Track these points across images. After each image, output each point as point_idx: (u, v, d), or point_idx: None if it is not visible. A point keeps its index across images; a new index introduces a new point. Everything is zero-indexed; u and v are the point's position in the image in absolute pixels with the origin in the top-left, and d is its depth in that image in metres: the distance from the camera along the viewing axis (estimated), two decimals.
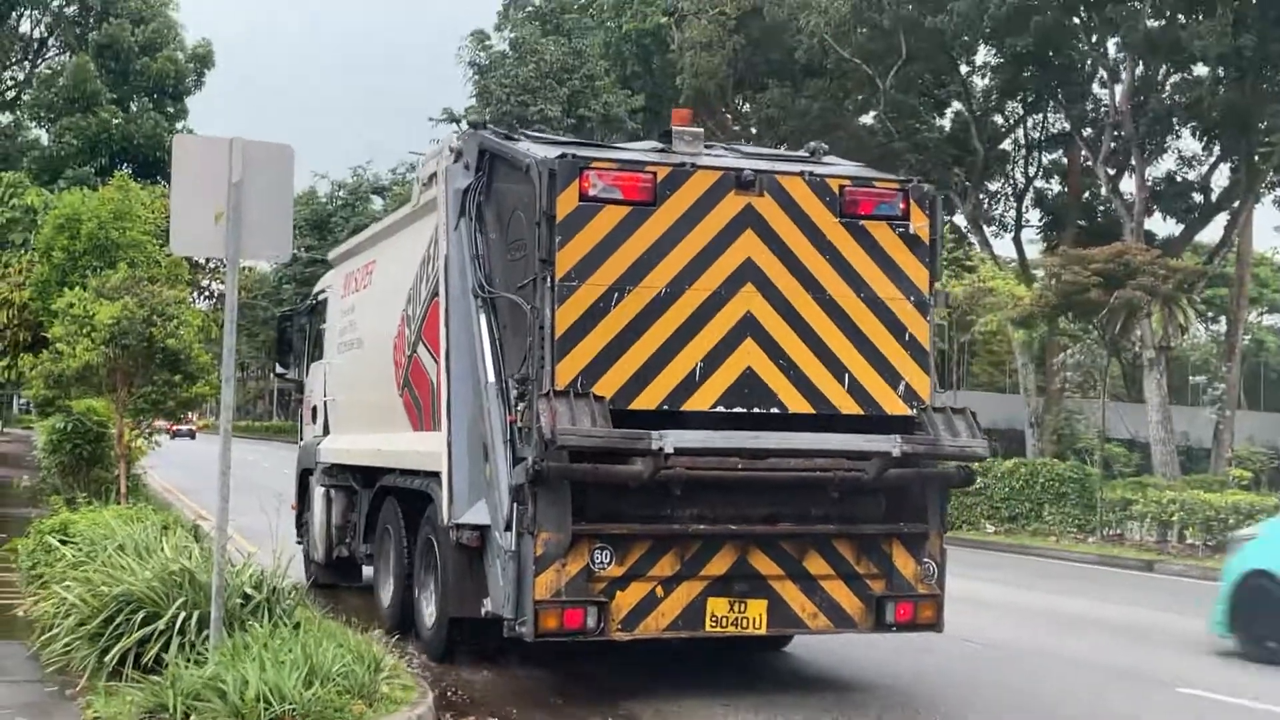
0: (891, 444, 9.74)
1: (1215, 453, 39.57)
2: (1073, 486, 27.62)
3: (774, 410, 10.03)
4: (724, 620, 9.98)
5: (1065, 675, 12.18)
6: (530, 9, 55.62)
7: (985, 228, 44.24)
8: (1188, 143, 42.44)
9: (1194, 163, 41.58)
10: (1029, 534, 27.42)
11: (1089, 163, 42.00)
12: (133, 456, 20.83)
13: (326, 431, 15.88)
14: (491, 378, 10.15)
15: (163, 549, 10.96)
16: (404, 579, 12.50)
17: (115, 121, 36.92)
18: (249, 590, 10.10)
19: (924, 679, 11.70)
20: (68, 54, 40.43)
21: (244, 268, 27.07)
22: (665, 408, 9.81)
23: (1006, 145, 45.73)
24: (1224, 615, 13.80)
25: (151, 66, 38.22)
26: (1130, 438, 42.95)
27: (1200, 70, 37.08)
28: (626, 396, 9.74)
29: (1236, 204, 38.46)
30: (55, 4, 41.33)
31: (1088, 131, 40.96)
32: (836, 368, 10.21)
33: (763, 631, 10.17)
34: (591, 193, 9.79)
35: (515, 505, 9.63)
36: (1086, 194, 46.16)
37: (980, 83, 43.73)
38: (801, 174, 10.34)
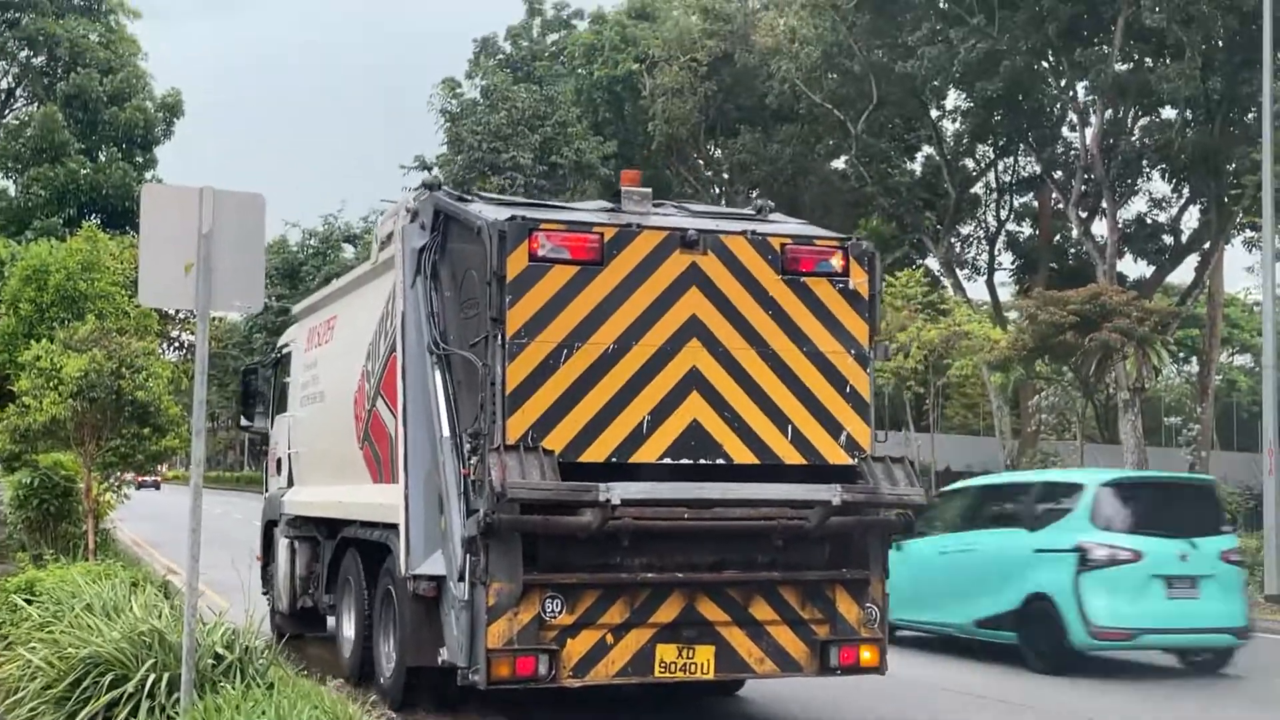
0: (832, 493, 10.08)
1: None
2: None
3: (719, 461, 10.37)
4: (673, 666, 10.25)
5: None
6: (501, 57, 55.71)
7: (958, 271, 44.34)
8: (1158, 185, 42.76)
9: (1164, 205, 41.91)
10: None
11: (1060, 205, 42.25)
12: (101, 511, 20.50)
13: (291, 483, 16.02)
14: (446, 432, 10.48)
15: (132, 608, 10.67)
16: (364, 629, 12.72)
17: (83, 172, 36.65)
18: (221, 650, 9.82)
19: None
20: (36, 105, 40.21)
21: (214, 318, 26.88)
22: (614, 460, 10.13)
23: (978, 189, 45.99)
24: None
25: (120, 116, 37.98)
26: None
27: (1169, 113, 37.39)
28: (576, 449, 10.06)
29: (1207, 245, 38.67)
30: (23, 55, 41.12)
31: (1058, 174, 41.18)
32: (780, 419, 10.56)
33: (710, 676, 10.43)
34: (540, 253, 10.15)
35: (468, 556, 9.92)
36: (1058, 236, 46.40)
37: (951, 127, 44.03)
38: (744, 233, 10.75)
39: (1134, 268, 45.19)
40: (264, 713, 8.60)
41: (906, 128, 44.40)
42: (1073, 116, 39.14)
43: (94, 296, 20.81)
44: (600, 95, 48.42)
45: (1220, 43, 33.92)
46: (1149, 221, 42.27)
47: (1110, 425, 47.66)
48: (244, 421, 19.13)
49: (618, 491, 9.59)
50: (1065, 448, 42.63)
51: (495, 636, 9.76)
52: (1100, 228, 39.33)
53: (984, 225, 47.07)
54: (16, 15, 39.78)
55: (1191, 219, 41.14)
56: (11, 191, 37.70)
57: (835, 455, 10.64)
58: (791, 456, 10.56)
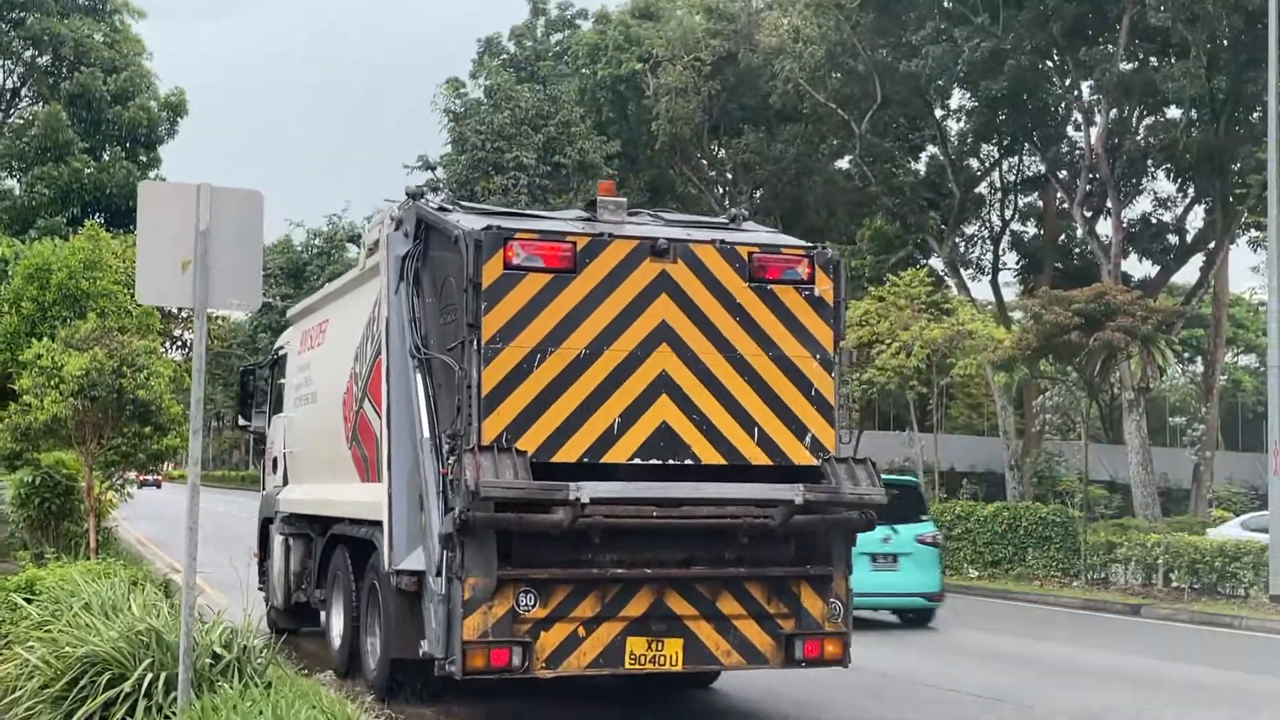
0: (795, 492, 10.55)
1: (1195, 493, 39.51)
2: (1056, 530, 27.41)
3: (688, 462, 10.85)
4: (642, 658, 10.70)
5: None
6: (505, 57, 55.61)
7: (962, 271, 44.22)
8: (1163, 184, 42.62)
9: (1169, 204, 41.74)
10: (1013, 579, 27.19)
11: (1065, 205, 42.10)
12: (103, 510, 20.47)
13: (286, 482, 16.53)
14: (427, 433, 10.96)
15: (130, 607, 10.64)
16: (352, 623, 13.22)
17: (87, 171, 36.61)
18: (218, 649, 9.80)
19: None
20: (40, 104, 40.17)
21: (217, 316, 26.84)
22: (586, 460, 10.60)
23: (982, 188, 45.79)
24: None
25: (124, 115, 37.93)
26: (1110, 479, 42.81)
27: (1174, 112, 37.26)
28: (549, 450, 10.54)
29: (1212, 245, 38.55)
30: (28, 54, 41.09)
31: (1063, 174, 41.05)
32: (746, 422, 11.03)
33: (679, 668, 10.86)
34: (515, 261, 10.63)
35: (445, 552, 10.38)
36: (1063, 236, 46.26)
37: (955, 126, 43.85)
38: (713, 242, 11.22)
39: (1139, 267, 45.10)
40: (261, 713, 8.56)
41: (911, 127, 44.24)
42: (1077, 116, 39.02)
43: (96, 295, 20.78)
44: (604, 95, 48.33)
45: (1225, 42, 33.78)
46: (1154, 221, 42.14)
47: (1115, 425, 47.55)
48: (242, 421, 19.57)
49: (587, 491, 10.04)
50: (1070, 448, 42.52)
51: (471, 629, 10.18)
52: (1105, 227, 39.26)
53: (988, 225, 46.94)
54: (21, 15, 39.76)
55: (1196, 218, 41.05)
56: (16, 191, 37.63)
57: (800, 456, 11.14)
58: (758, 457, 11.05)
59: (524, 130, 44.81)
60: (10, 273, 23.96)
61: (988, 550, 27.93)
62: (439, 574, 10.48)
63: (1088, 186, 37.99)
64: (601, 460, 10.70)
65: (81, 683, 9.42)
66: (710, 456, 10.95)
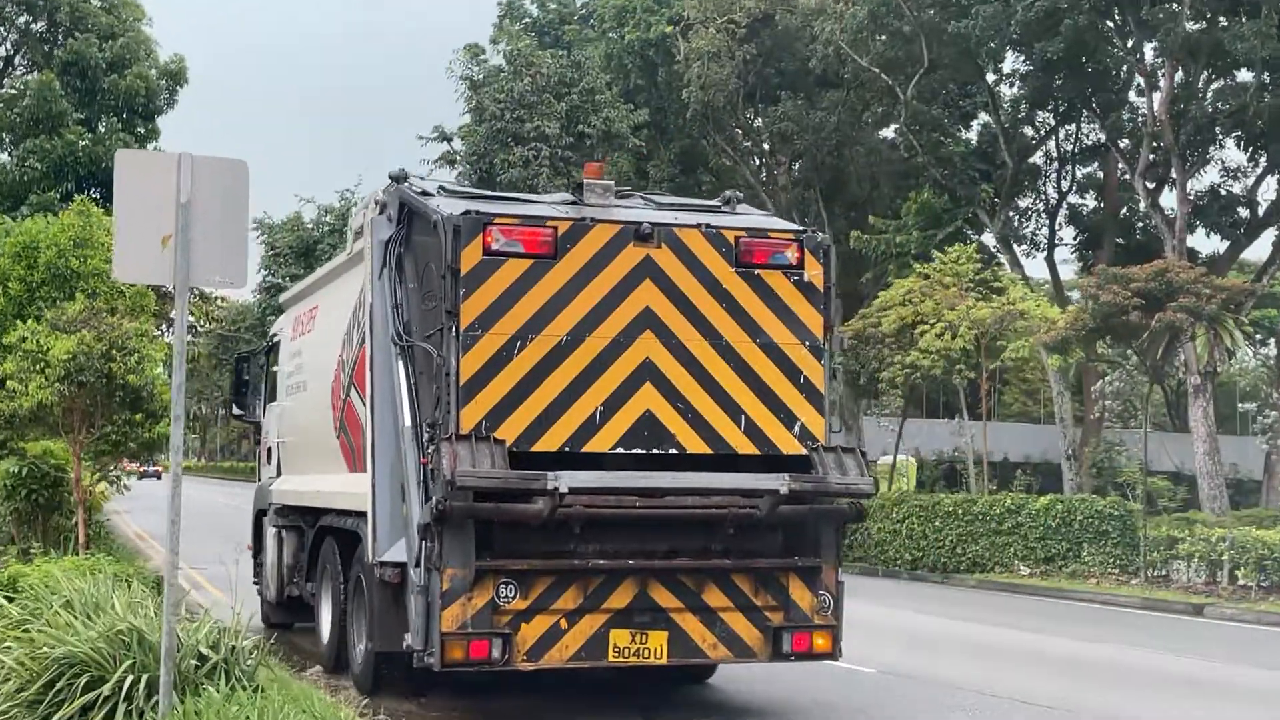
0: (780, 482, 10.94)
1: (1267, 485, 39.21)
2: (1114, 524, 27.20)
3: (672, 451, 11.25)
4: (626, 651, 11.08)
5: None
6: (527, 20, 55.48)
7: (1015, 247, 43.93)
8: (1232, 153, 42.33)
9: (1239, 175, 41.25)
10: (1066, 576, 27.01)
11: (1126, 176, 41.74)
12: (95, 503, 20.53)
13: (279, 473, 16.98)
14: (408, 422, 11.33)
15: (113, 605, 10.63)
16: (340, 616, 13.66)
17: (82, 143, 36.64)
18: (204, 650, 9.81)
19: None
20: (35, 72, 40.25)
21: (217, 297, 26.89)
22: (567, 449, 11.02)
23: (1037, 159, 45.42)
24: None
25: (120, 84, 37.91)
26: (1175, 470, 42.52)
27: (1244, 76, 36.79)
28: (529, 439, 10.96)
29: None
30: (22, 20, 41.17)
31: (1124, 143, 40.69)
32: (733, 410, 11.44)
33: (664, 661, 11.24)
34: (494, 247, 11.04)
35: (423, 542, 10.74)
36: (1124, 210, 45.87)
37: (1008, 92, 43.50)
38: (698, 226, 11.65)
39: (1206, 243, 44.81)
40: (248, 717, 8.55)
41: (960, 93, 43.91)
42: (1139, 80, 38.63)
43: (87, 275, 20.79)
44: (631, 60, 48.13)
45: None
46: (1222, 193, 41.67)
47: (1180, 412, 47.20)
48: (236, 410, 20.18)
49: (565, 480, 10.42)
50: (1132, 436, 42.24)
51: (449, 620, 10.56)
52: (1169, 200, 38.88)
53: (1044, 198, 46.57)
54: None
55: (1269, 190, 40.79)
56: (7, 165, 37.70)
57: (789, 445, 11.54)
58: (745, 446, 11.45)
59: (546, 99, 44.68)
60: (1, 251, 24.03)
61: (1040, 546, 27.74)
62: (417, 565, 10.81)
63: (1151, 156, 37.62)
64: (583, 449, 11.05)
65: (58, 685, 9.45)
66: (695, 445, 11.31)
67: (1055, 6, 34.68)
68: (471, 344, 10.91)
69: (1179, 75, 36.72)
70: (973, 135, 45.78)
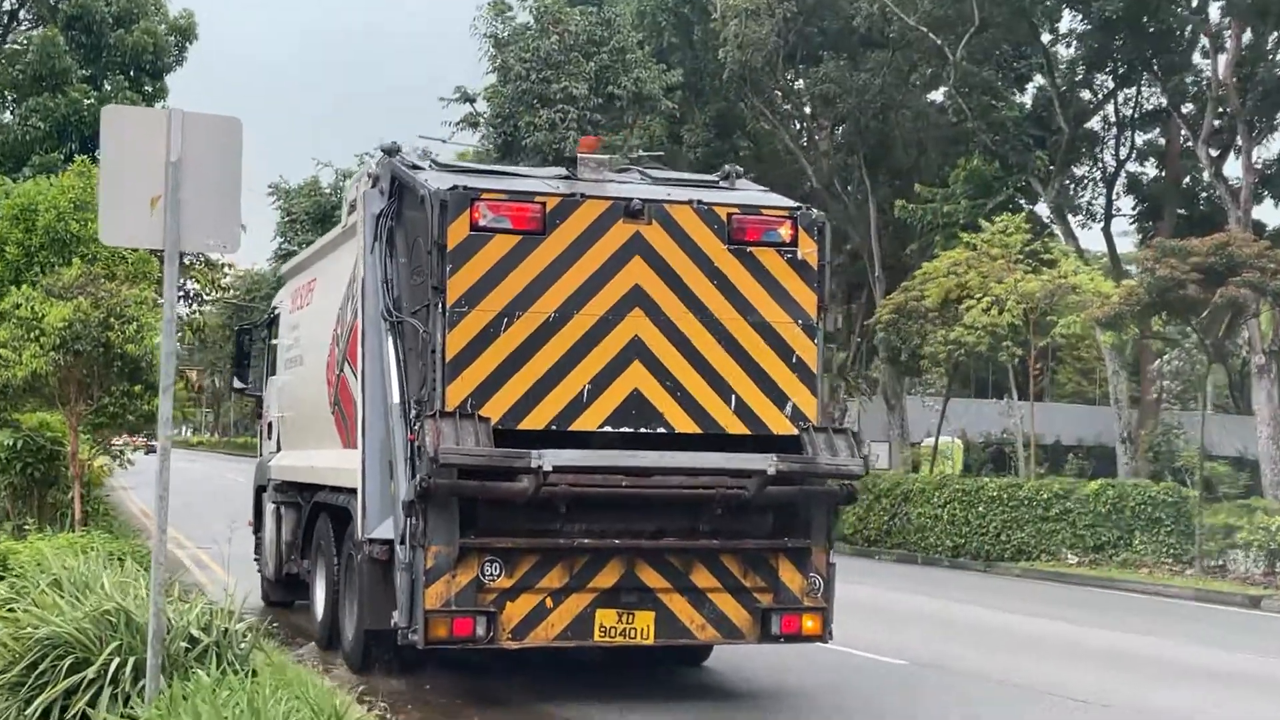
0: (767, 463, 11.34)
1: None
2: (1167, 511, 27.06)
3: (660, 430, 11.68)
4: (612, 631, 11.54)
5: None
6: None
7: (1070, 217, 43.66)
8: None
9: None
10: (1116, 565, 26.90)
11: (1189, 143, 41.39)
12: (94, 478, 20.66)
13: (279, 448, 17.53)
14: (396, 398, 11.75)
15: (103, 585, 10.69)
16: (332, 593, 14.14)
17: (87, 102, 36.67)
18: (195, 632, 9.84)
19: None
20: (39, 28, 40.34)
21: (223, 264, 26.96)
22: (554, 427, 11.44)
23: (1095, 124, 45.12)
24: None
25: (127, 40, 37.93)
26: (1238, 455, 42.22)
27: None
28: (516, 417, 11.39)
29: None
30: None
31: (1187, 107, 40.35)
32: (723, 389, 11.86)
33: (650, 642, 11.68)
34: (482, 223, 11.44)
35: (408, 519, 11.17)
36: (1186, 179, 45.51)
37: (1065, 53, 43.18)
38: (690, 202, 12.06)
39: (1274, 214, 44.39)
40: (238, 703, 8.57)
41: (1014, 54, 43.57)
42: (1204, 41, 38.30)
43: (87, 239, 20.85)
44: (665, 18, 47.93)
45: None
46: None
47: (1244, 394, 46.86)
48: (238, 384, 20.76)
49: (550, 458, 10.84)
50: (1191, 419, 42.00)
51: (433, 598, 11.03)
52: (1234, 168, 38.57)
53: (1101, 165, 46.26)
54: None
55: None
56: (9, 124, 37.82)
57: (780, 425, 11.97)
58: (735, 426, 11.88)
59: (574, 58, 44.53)
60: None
61: (1089, 534, 27.62)
62: (403, 542, 11.25)
63: (1215, 122, 37.32)
64: (570, 428, 11.48)
65: (41, 667, 9.49)
66: (684, 425, 11.73)
67: None
68: (457, 320, 11.30)
69: (1246, 36, 36.40)
70: (1026, 99, 45.43)
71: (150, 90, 38.79)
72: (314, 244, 16.91)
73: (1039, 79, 43.80)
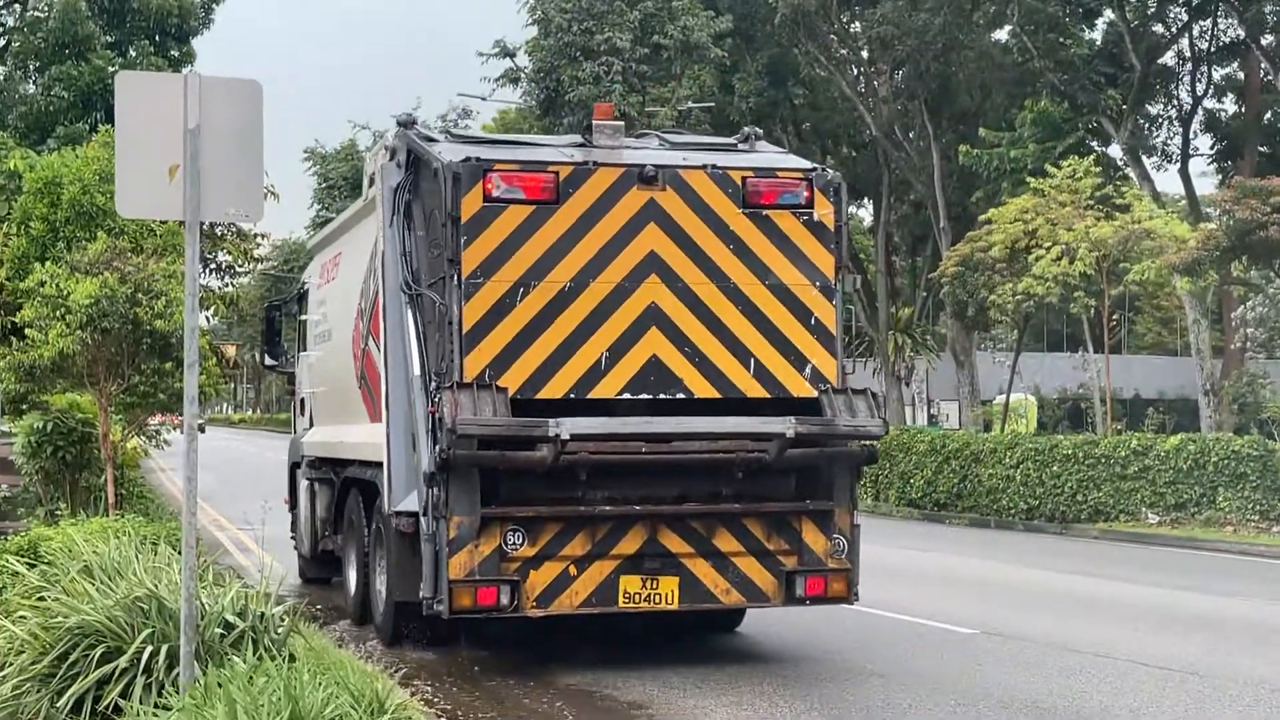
0: (786, 425, 11.71)
1: None
2: (1253, 466, 26.78)
3: (680, 396, 12.12)
4: (637, 597, 11.97)
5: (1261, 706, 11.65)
6: None
7: (1145, 159, 43.25)
8: None
9: None
10: (1200, 524, 26.67)
11: (1269, 77, 40.93)
12: (127, 459, 20.78)
13: (311, 424, 18.01)
14: (417, 371, 12.22)
15: (134, 571, 10.74)
16: (363, 568, 14.61)
17: (111, 69, 36.67)
18: (230, 617, 9.88)
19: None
20: None
21: (256, 235, 27.02)
22: (572, 396, 11.89)
23: (1169, 59, 44.70)
24: None
25: (151, 3, 38.02)
26: None
27: None
28: (534, 386, 11.84)
29: None
30: None
31: (1267, 39, 39.87)
32: (742, 353, 12.29)
33: (675, 607, 12.10)
34: (495, 194, 11.88)
35: (430, 491, 11.66)
36: (1268, 114, 45.02)
37: None
38: (704, 167, 12.45)
39: None
40: (274, 691, 8.60)
41: None
42: None
43: (113, 212, 20.90)
44: None
45: None
46: None
47: None
48: (269, 361, 21.26)
49: (567, 427, 11.20)
50: (1277, 368, 41.60)
51: (457, 568, 11.50)
52: None
53: (1177, 103, 45.85)
54: None
55: None
56: (32, 94, 37.96)
57: (799, 388, 12.42)
58: (754, 390, 12.32)
59: (618, 6, 44.46)
60: (25, 189, 24.26)
61: (1170, 491, 27.39)
62: (426, 513, 11.72)
63: None
64: (589, 396, 11.94)
65: (73, 657, 9.53)
66: (703, 390, 12.17)
67: None
68: (473, 292, 11.77)
69: None
70: (1095, 35, 45.10)
71: (177, 55, 38.84)
72: (338, 218, 17.27)
73: (1108, 13, 43.42)
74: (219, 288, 26.45)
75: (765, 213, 12.47)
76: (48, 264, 17.60)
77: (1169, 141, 46.00)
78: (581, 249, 12.02)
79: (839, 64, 49.07)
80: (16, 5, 42.51)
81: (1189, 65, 44.84)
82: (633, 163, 12.40)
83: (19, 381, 17.34)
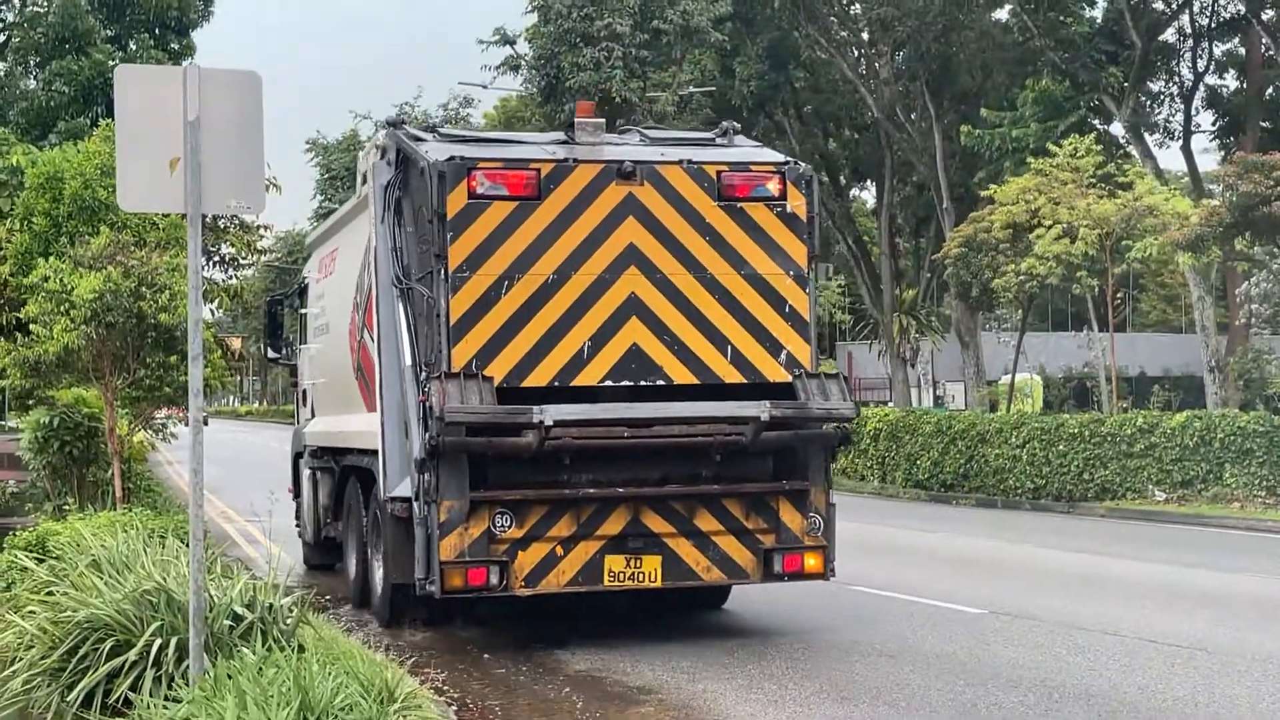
0: (760, 409, 12.35)
1: None
2: (1259, 442, 26.75)
3: (660, 382, 12.74)
4: (621, 575, 12.58)
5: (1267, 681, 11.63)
6: None
7: (1147, 136, 43.17)
8: None
9: None
10: (1207, 501, 26.66)
11: (1271, 52, 40.85)
12: (134, 453, 20.81)
13: (313, 415, 18.58)
14: (408, 361, 12.83)
15: (142, 564, 10.76)
16: (362, 553, 15.32)
17: (112, 63, 36.70)
18: (239, 609, 9.90)
19: (1122, 690, 11.26)
20: None
21: (259, 226, 26.98)
22: (556, 384, 12.51)
23: (1170, 36, 44.58)
24: None
25: None
26: None
27: None
28: (519, 375, 12.47)
29: None
30: None
31: (1268, 14, 39.77)
32: (719, 340, 12.91)
33: (658, 584, 12.73)
34: (479, 191, 12.49)
35: (421, 476, 12.24)
36: (1269, 90, 44.91)
37: None
38: (680, 162, 13.06)
39: None
40: (283, 681, 8.61)
41: None
42: None
43: (115, 206, 20.90)
44: None
45: None
46: None
47: None
48: (271, 354, 21.80)
49: (551, 413, 11.81)
50: None
51: (447, 549, 12.07)
52: None
53: (1178, 80, 45.76)
54: None
55: None
56: (33, 89, 37.94)
57: (775, 373, 13.04)
58: (731, 376, 12.93)
59: None
60: (27, 184, 24.24)
61: (1176, 468, 27.39)
62: (418, 498, 12.31)
63: None
64: (573, 384, 12.54)
65: (82, 651, 9.56)
66: (682, 376, 12.79)
67: None
68: (460, 285, 12.36)
69: None
70: (1096, 13, 44.98)
71: (177, 48, 38.84)
72: (335, 214, 17.79)
73: None
74: (223, 280, 26.38)
75: (740, 205, 13.06)
76: (51, 259, 17.63)
77: (1171, 118, 45.96)
78: (563, 243, 12.61)
79: (840, 46, 49.00)
80: (16, 0, 42.47)
81: (1190, 41, 44.74)
82: (612, 159, 12.99)
83: (25, 377, 17.42)
